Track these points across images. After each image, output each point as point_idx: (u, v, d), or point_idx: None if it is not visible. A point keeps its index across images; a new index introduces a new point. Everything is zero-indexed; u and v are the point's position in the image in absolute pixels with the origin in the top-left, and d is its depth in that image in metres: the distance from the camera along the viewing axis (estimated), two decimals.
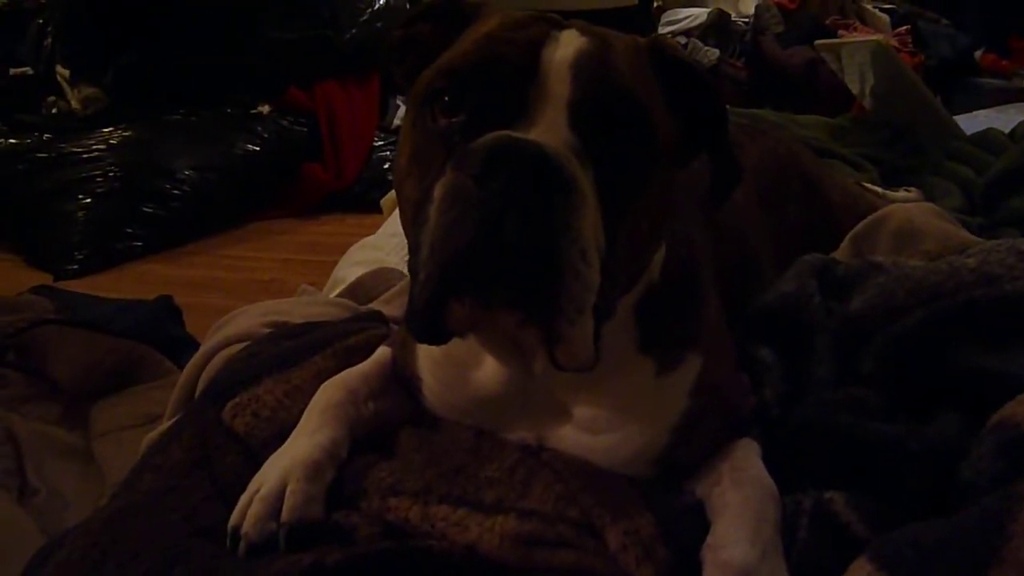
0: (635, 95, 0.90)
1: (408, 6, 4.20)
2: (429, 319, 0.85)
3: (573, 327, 0.82)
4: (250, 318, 1.47)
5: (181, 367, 1.55)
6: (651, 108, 0.92)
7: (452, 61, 0.92)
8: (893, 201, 2.06)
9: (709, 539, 0.95)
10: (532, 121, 0.85)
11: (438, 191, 0.82)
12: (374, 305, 1.64)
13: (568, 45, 0.89)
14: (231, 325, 1.46)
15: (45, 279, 2.88)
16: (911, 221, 1.46)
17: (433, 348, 1.10)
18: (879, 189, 2.26)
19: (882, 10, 5.20)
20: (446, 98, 0.90)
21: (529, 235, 0.78)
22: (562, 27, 0.93)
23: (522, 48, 0.89)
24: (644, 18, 5.15)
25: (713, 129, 1.01)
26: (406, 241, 0.99)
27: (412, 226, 0.88)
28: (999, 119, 3.25)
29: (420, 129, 0.93)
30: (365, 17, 3.99)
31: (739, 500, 0.98)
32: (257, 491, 1.00)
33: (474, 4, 1.02)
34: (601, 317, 0.87)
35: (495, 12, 0.99)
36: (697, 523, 0.99)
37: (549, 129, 0.85)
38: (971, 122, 3.19)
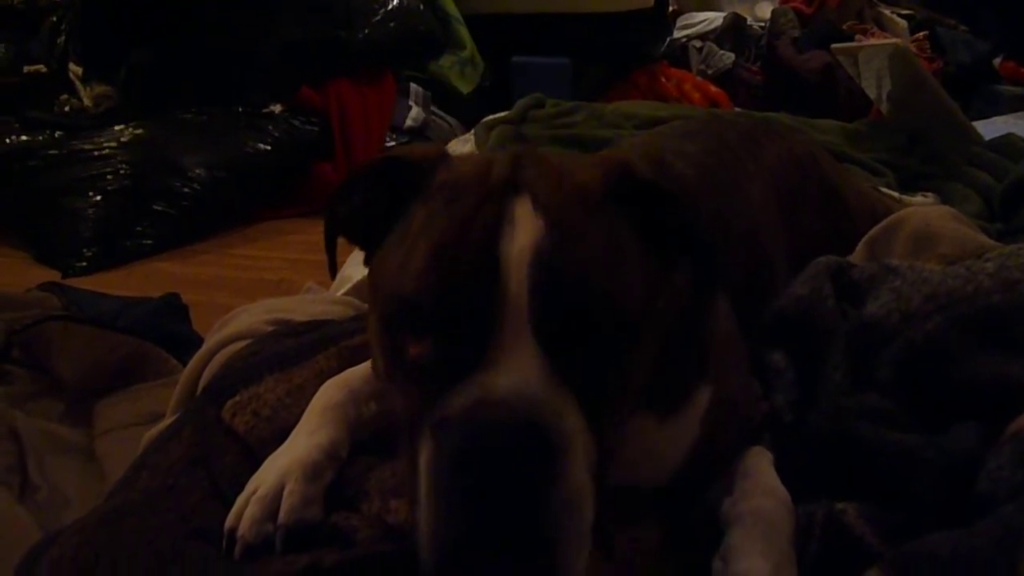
0: (601, 288, 0.82)
1: (421, 7, 4.18)
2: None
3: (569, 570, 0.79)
4: (253, 316, 1.45)
5: (186, 365, 1.53)
6: (619, 288, 0.85)
7: (407, 283, 0.84)
8: (910, 206, 2.03)
9: (721, 550, 0.94)
10: (500, 344, 0.78)
11: (422, 464, 0.78)
12: None
13: (524, 232, 0.81)
14: (234, 323, 1.44)
15: (54, 276, 2.87)
16: (928, 224, 1.43)
17: None
18: (896, 194, 2.23)
19: (900, 16, 5.16)
20: (409, 326, 0.84)
21: (519, 503, 0.75)
22: (516, 194, 0.84)
23: (476, 254, 0.81)
24: (659, 22, 5.11)
25: (696, 245, 0.95)
26: None
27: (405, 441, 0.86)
28: (1018, 126, 3.22)
29: (389, 352, 0.87)
30: (378, 17, 3.97)
31: (751, 510, 0.96)
32: (254, 492, 0.98)
33: (411, 165, 0.94)
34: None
35: (438, 190, 0.89)
36: (708, 533, 0.96)
37: (519, 356, 0.78)
38: (989, 128, 3.16)
